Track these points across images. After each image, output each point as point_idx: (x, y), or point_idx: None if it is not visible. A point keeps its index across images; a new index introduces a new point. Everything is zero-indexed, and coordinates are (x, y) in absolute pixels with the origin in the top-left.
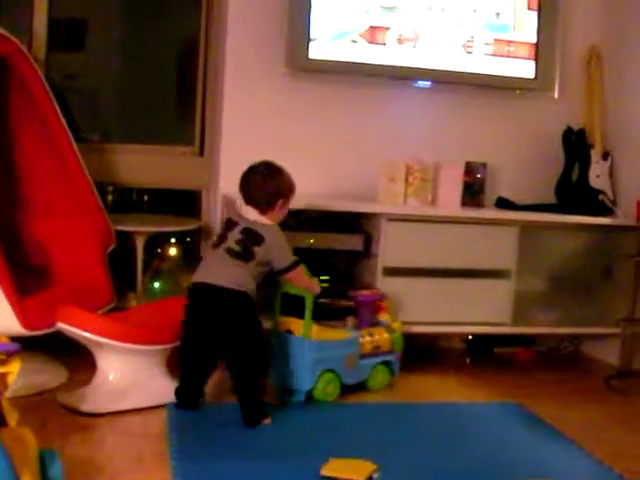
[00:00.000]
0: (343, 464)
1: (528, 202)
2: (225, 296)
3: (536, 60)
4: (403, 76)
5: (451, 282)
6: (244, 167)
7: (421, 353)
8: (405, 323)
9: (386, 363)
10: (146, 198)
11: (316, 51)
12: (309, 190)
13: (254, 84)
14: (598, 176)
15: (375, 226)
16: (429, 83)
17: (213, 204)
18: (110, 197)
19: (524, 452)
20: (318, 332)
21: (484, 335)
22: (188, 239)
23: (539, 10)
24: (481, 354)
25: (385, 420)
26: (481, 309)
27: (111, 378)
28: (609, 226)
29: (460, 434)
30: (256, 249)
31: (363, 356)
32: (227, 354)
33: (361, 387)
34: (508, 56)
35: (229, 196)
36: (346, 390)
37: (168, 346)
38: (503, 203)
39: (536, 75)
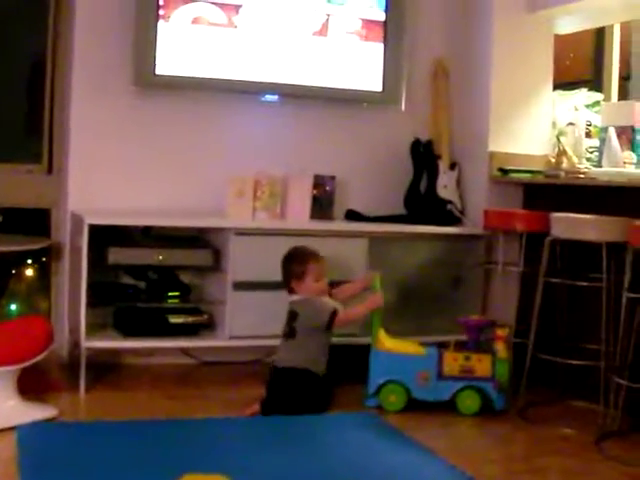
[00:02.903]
0: (196, 479)
1: (378, 214)
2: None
3: (383, 74)
4: (250, 90)
5: None
6: (92, 184)
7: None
8: (258, 337)
9: (478, 390)
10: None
11: (163, 67)
12: (158, 207)
13: (102, 101)
14: (446, 186)
15: (223, 241)
16: (276, 97)
17: (62, 222)
18: None
19: (379, 460)
20: (388, 344)
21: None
22: (44, 259)
23: (385, 25)
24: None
25: (241, 433)
26: None
27: None
28: (458, 235)
29: (315, 444)
30: (295, 325)
31: (444, 376)
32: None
33: (452, 407)
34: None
35: (77, 213)
36: (428, 407)
37: (16, 367)
38: (352, 215)
39: (383, 88)
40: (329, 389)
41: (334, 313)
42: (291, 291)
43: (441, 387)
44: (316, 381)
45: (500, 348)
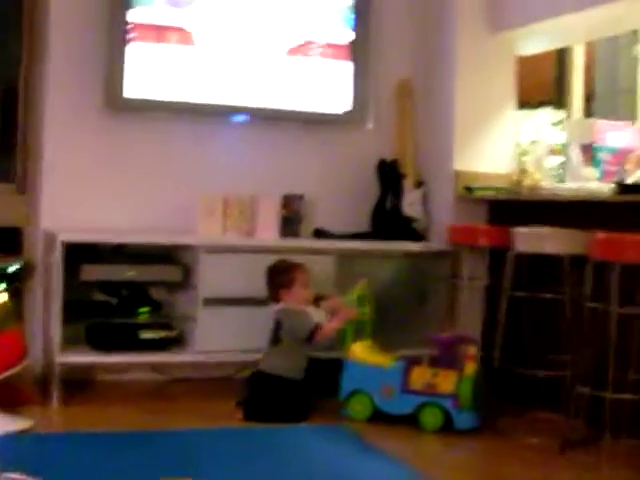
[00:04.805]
0: None
1: (345, 231)
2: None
3: (354, 94)
4: (219, 112)
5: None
6: (65, 203)
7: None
8: (227, 351)
9: (440, 406)
10: None
11: (131, 91)
12: (130, 225)
13: (74, 123)
14: (411, 204)
15: (194, 258)
16: (245, 118)
17: (35, 241)
18: None
19: (349, 469)
20: (359, 355)
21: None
22: (17, 279)
23: (352, 46)
24: None
25: (214, 444)
26: None
27: None
28: (423, 252)
29: (288, 456)
30: (280, 333)
31: (408, 390)
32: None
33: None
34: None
35: (49, 231)
36: (394, 420)
37: None
38: (320, 233)
39: (351, 109)
40: (306, 396)
41: (316, 328)
42: (278, 300)
43: (404, 401)
44: (294, 387)
45: (468, 366)
